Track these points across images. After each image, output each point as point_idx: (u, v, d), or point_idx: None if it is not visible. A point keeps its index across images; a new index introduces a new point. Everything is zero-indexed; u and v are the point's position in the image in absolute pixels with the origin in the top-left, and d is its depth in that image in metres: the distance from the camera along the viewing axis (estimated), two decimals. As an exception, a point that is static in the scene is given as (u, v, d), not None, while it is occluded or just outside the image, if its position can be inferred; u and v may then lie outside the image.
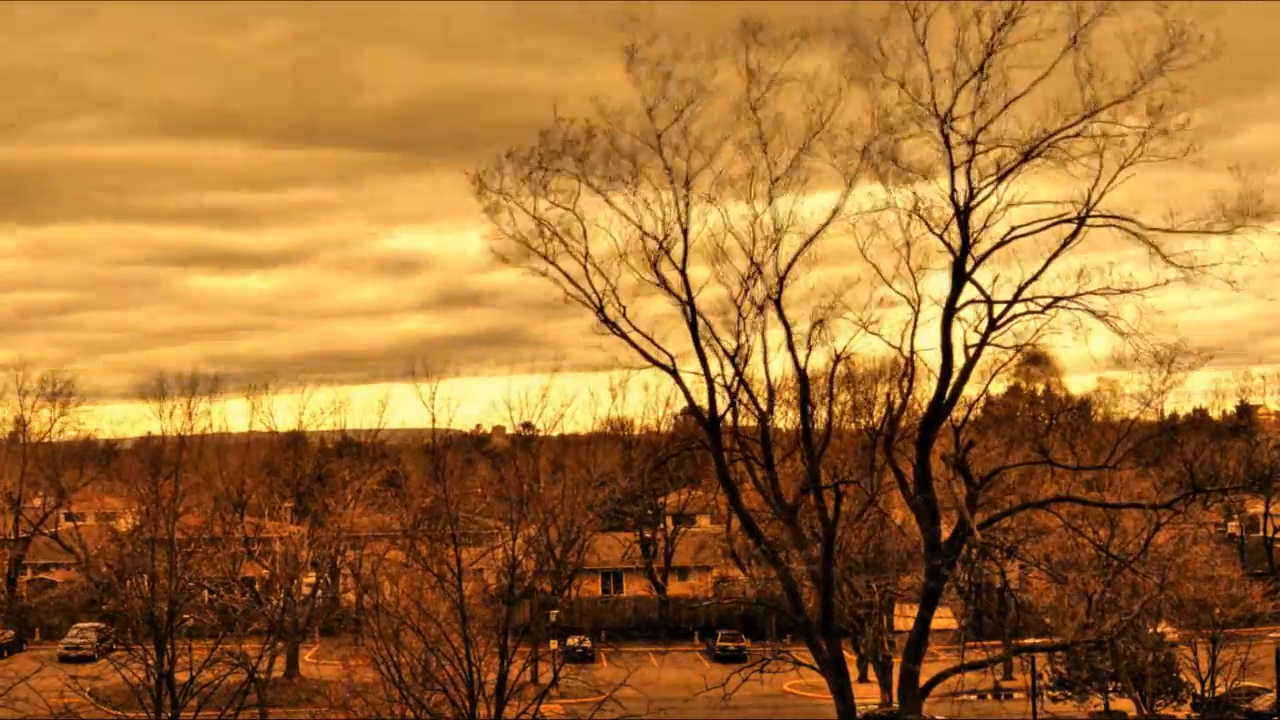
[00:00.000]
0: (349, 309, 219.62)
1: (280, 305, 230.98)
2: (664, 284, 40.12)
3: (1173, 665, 60.28)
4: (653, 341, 41.09)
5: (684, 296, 40.22)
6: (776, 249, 39.66)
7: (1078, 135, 36.04)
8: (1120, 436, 52.89)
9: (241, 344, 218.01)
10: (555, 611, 74.28)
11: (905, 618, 67.09)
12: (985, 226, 37.82)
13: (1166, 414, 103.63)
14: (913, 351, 39.96)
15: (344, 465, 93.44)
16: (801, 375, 41.28)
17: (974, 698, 66.44)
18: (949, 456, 42.67)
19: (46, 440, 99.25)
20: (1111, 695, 61.95)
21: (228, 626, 51.02)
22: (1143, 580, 45.90)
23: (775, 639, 70.35)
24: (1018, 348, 39.86)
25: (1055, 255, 37.43)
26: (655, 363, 41.36)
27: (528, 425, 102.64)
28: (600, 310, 40.41)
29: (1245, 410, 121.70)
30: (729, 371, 41.12)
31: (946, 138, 37.03)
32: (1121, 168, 36.08)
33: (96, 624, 76.30)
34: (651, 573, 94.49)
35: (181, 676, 44.68)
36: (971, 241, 37.78)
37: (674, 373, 41.57)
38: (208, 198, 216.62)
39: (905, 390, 41.98)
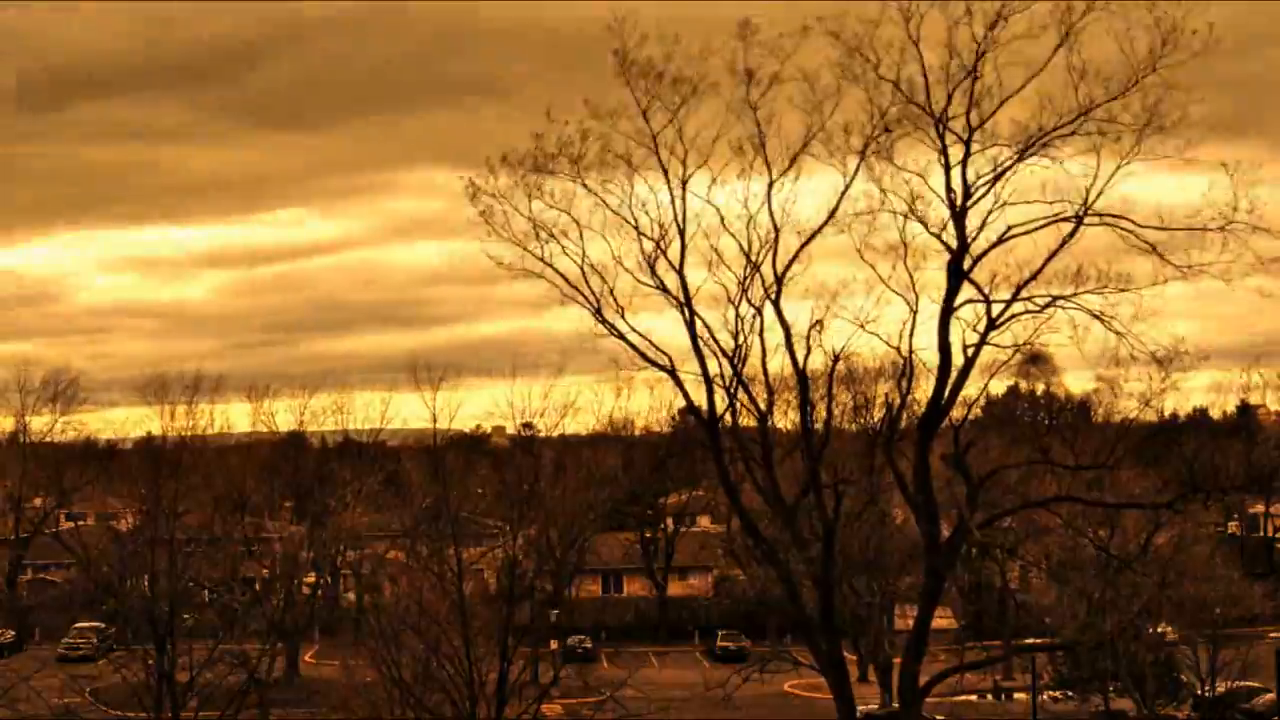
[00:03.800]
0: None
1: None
2: (661, 285, 40.19)
3: (1173, 665, 60.26)
4: (651, 342, 41.20)
5: (681, 297, 40.27)
6: (774, 249, 39.74)
7: (1073, 133, 36.07)
8: (1120, 436, 52.71)
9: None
10: (555, 611, 74.33)
11: (905, 618, 67.06)
12: (982, 226, 37.91)
13: (1166, 414, 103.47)
14: (911, 351, 40.01)
15: (345, 466, 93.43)
16: (800, 375, 41.29)
17: (974, 698, 66.49)
18: (949, 456, 42.68)
19: (48, 441, 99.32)
20: (1111, 695, 61.94)
21: (228, 626, 51.05)
22: (1143, 580, 45.90)
23: (775, 639, 70.35)
24: (1016, 347, 39.88)
25: (1054, 254, 37.47)
26: (654, 363, 41.40)
27: (528, 425, 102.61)
28: (598, 312, 40.48)
29: (1245, 410, 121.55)
30: (728, 372, 41.20)
31: (942, 137, 37.07)
32: (1119, 166, 36.16)
33: (96, 624, 76.29)
34: (651, 573, 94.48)
35: (181, 676, 44.72)
36: (968, 241, 37.83)
37: (673, 373, 41.63)
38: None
39: (904, 390, 41.97)
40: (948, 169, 37.47)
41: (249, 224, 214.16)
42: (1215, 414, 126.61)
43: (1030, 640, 59.28)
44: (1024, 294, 37.87)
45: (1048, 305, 37.85)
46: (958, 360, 39.04)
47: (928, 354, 39.63)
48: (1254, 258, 35.12)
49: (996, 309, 38.27)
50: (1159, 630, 58.55)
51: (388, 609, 49.14)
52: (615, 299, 40.32)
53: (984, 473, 42.73)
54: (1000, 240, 37.79)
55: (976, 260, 38.11)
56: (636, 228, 39.85)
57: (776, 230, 39.51)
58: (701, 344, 40.63)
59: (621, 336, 40.79)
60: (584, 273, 40.21)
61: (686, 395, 42.66)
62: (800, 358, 40.80)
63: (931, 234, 38.17)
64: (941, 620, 62.30)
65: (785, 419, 51.60)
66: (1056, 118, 35.99)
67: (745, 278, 40.06)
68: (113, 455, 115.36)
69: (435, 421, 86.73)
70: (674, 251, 39.86)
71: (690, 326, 40.49)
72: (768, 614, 72.38)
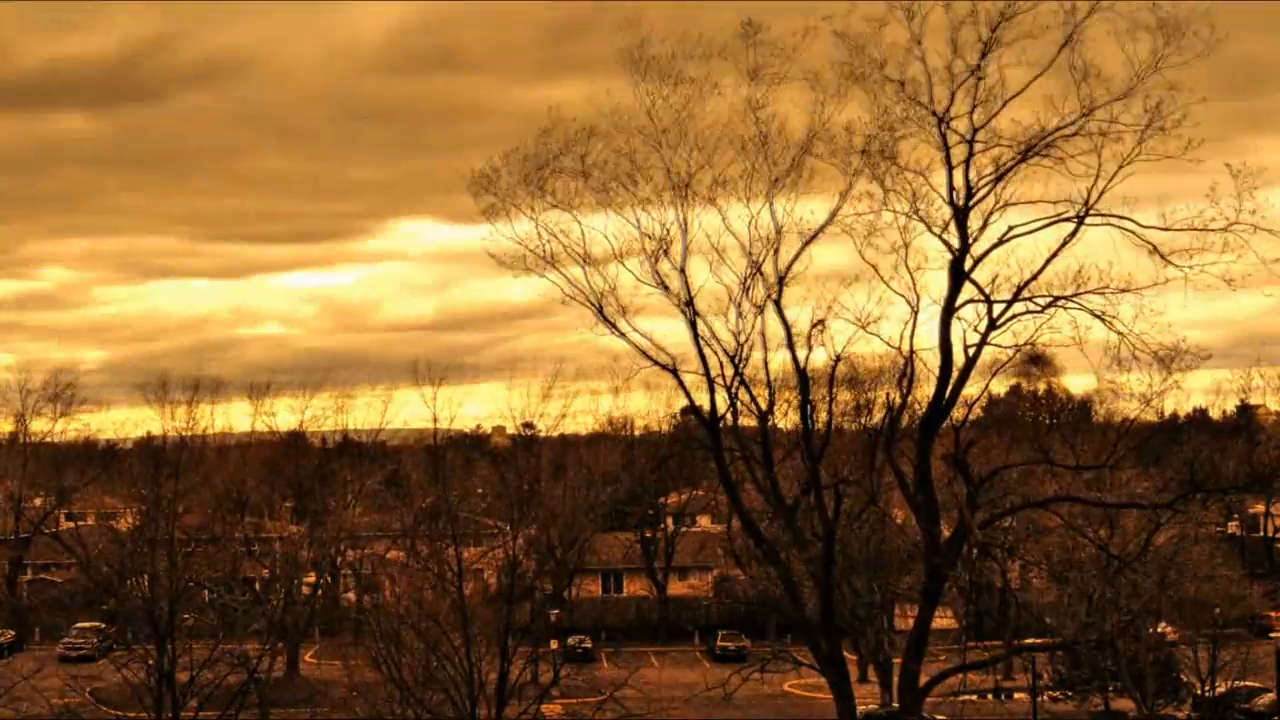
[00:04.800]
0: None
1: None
2: (663, 284, 40.20)
3: (1173, 665, 60.26)
4: (652, 342, 41.22)
5: (683, 296, 40.29)
6: (776, 249, 39.73)
7: (1075, 134, 36.08)
8: (1120, 436, 52.66)
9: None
10: (555, 611, 74.24)
11: (905, 618, 67.03)
12: (984, 226, 37.90)
13: (1167, 414, 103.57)
14: (912, 351, 40.01)
15: (345, 466, 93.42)
16: (801, 375, 41.31)
17: (974, 698, 66.40)
18: (949, 456, 42.67)
19: (48, 441, 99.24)
20: (1111, 695, 61.94)
21: (228, 626, 51.03)
22: (1143, 580, 45.87)
23: (775, 639, 70.34)
24: (1017, 347, 39.88)
25: (1055, 255, 37.47)
26: (655, 362, 41.48)
27: (528, 425, 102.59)
28: (599, 311, 40.50)
29: (1245, 410, 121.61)
30: (729, 371, 41.20)
31: (944, 137, 37.09)
32: (1120, 167, 36.14)
33: (96, 624, 76.28)
34: (652, 573, 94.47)
35: (181, 676, 44.72)
36: (970, 241, 37.84)
37: (674, 372, 41.67)
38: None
39: (905, 390, 41.96)
40: (950, 169, 37.52)
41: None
42: (1215, 414, 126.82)
43: (1030, 640, 59.15)
44: (1025, 294, 37.91)
45: (1049, 305, 37.89)
46: (959, 360, 39.12)
47: (929, 354, 39.69)
48: (1257, 258, 35.17)
49: (997, 309, 38.33)
50: (1159, 630, 58.55)
51: (388, 609, 49.11)
52: (617, 298, 40.40)
53: (984, 473, 42.76)
54: (1002, 240, 37.85)
55: (978, 260, 38.17)
56: (639, 227, 39.94)
57: (779, 230, 39.58)
58: (703, 343, 40.69)
59: (623, 336, 40.88)
60: (586, 271, 40.31)
61: (688, 394, 42.76)
62: (801, 357, 40.88)
63: (933, 234, 38.24)
64: (941, 620, 62.17)
65: (786, 419, 51.64)
66: (1059, 118, 36.07)
67: (747, 277, 40.13)
68: (113, 455, 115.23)
69: (435, 421, 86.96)
70: (676, 251, 39.95)
71: (692, 326, 40.57)
72: (768, 614, 72.41)
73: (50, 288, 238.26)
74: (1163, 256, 35.77)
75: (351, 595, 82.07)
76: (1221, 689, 59.69)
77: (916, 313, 39.11)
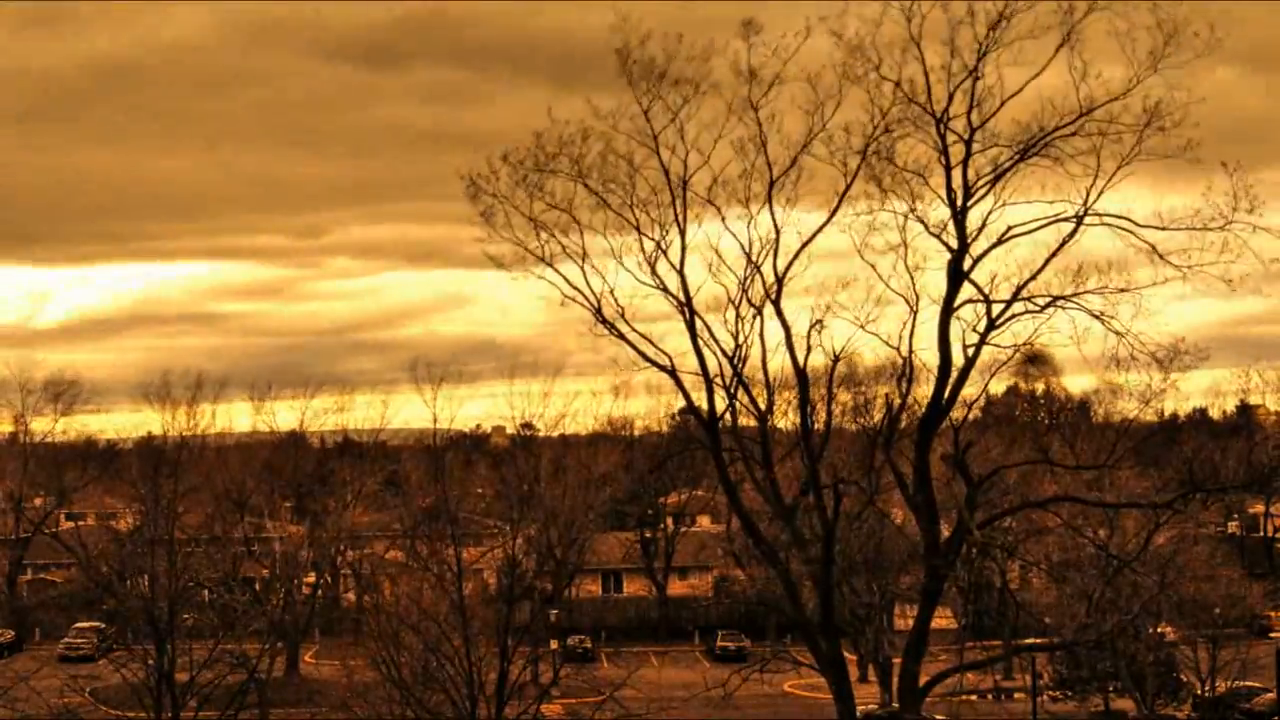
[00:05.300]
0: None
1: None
2: (662, 285, 40.17)
3: (1173, 665, 60.30)
4: (651, 342, 41.18)
5: (681, 297, 40.26)
6: (774, 249, 39.72)
7: (1074, 134, 36.07)
8: (1120, 436, 52.75)
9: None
10: (555, 611, 74.26)
11: (905, 618, 67.04)
12: (982, 226, 37.91)
13: (1166, 414, 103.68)
14: (911, 351, 39.99)
15: (345, 466, 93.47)
16: (801, 375, 41.26)
17: (974, 698, 66.43)
18: (949, 456, 42.68)
19: (48, 440, 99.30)
20: (1111, 695, 61.97)
21: (228, 626, 51.05)
22: (1143, 580, 45.88)
23: (775, 639, 70.30)
24: (1016, 347, 39.89)
25: (1054, 255, 37.50)
26: (654, 363, 41.36)
27: (528, 425, 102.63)
28: (598, 311, 40.46)
29: (1245, 410, 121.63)
30: (728, 372, 41.17)
31: (943, 137, 37.07)
32: (1119, 167, 36.15)
33: (96, 624, 76.29)
34: (652, 572, 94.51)
35: (181, 676, 44.75)
36: (968, 241, 37.83)
37: (673, 373, 41.59)
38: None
39: (904, 390, 41.93)
40: (948, 169, 37.49)
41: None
42: (1215, 414, 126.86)
43: (1030, 640, 59.21)
44: (1024, 294, 37.93)
45: (1048, 305, 37.91)
46: (958, 360, 39.11)
47: (928, 354, 39.68)
48: (1254, 258, 35.18)
49: (996, 309, 38.32)
50: (1159, 630, 58.57)
51: (388, 609, 49.10)
52: (616, 299, 40.38)
53: (984, 473, 42.76)
54: (1000, 240, 37.85)
55: (977, 260, 38.16)
56: (638, 228, 39.90)
57: (777, 230, 39.55)
58: (701, 344, 40.63)
59: (622, 336, 40.81)
60: (584, 272, 40.28)
61: (687, 395, 42.69)
62: (800, 358, 40.80)
63: (932, 234, 38.22)
64: (941, 620, 62.25)
65: (785, 419, 51.64)
66: (1057, 118, 36.05)
67: (746, 278, 40.09)
68: (113, 455, 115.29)
69: (435, 421, 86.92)
70: (674, 251, 39.92)
71: (690, 326, 40.49)
72: (768, 614, 72.37)
73: (311, 276, 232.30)
74: (1161, 256, 35.83)
75: (351, 595, 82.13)
76: (1221, 689, 59.75)
77: (915, 313, 39.14)
